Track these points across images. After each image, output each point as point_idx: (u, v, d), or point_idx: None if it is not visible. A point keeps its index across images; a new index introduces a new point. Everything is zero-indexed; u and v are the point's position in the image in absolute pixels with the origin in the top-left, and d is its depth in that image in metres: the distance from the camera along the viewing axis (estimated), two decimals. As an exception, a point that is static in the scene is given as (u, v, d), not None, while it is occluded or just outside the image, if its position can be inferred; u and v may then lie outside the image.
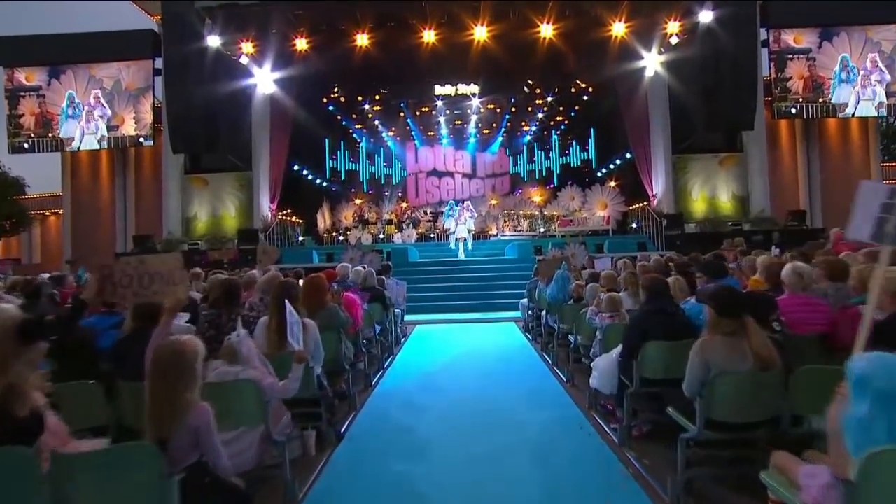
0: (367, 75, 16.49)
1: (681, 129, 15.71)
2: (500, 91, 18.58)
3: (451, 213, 14.43)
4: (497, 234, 17.92)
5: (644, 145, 16.13)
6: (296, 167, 18.14)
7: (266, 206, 15.90)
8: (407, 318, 9.52)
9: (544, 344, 7.21)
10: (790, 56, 16.16)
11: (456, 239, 13.78)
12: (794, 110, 16.20)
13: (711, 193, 15.89)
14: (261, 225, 15.01)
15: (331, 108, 18.96)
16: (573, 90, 18.69)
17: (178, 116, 13.99)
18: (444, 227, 15.57)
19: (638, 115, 16.17)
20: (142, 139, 16.03)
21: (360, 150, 21.82)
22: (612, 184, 17.73)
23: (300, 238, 16.18)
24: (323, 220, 19.31)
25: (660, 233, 14.21)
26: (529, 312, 8.46)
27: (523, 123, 21.95)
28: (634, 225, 15.46)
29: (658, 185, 15.89)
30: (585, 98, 19.00)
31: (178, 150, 14.54)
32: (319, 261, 13.33)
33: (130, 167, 16.67)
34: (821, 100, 16.13)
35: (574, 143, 21.05)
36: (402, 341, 8.28)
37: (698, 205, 15.82)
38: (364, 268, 7.52)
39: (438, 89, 17.31)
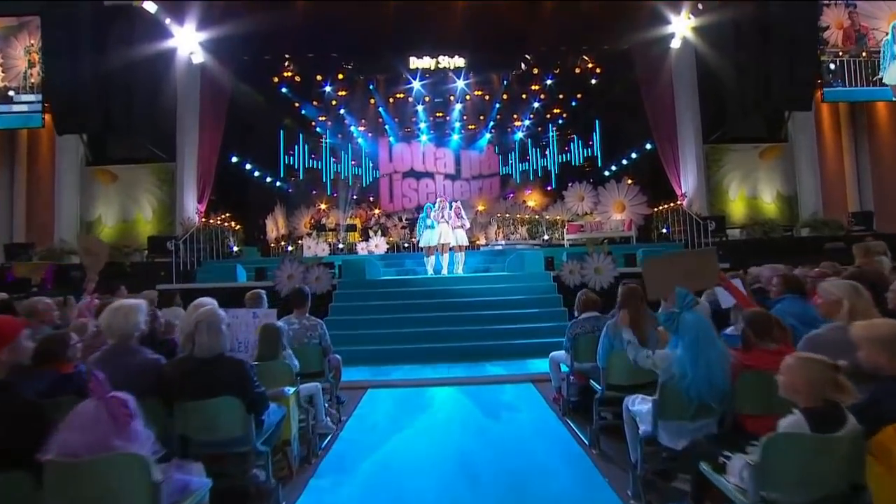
0: (324, 43, 13.14)
1: (714, 114, 12.68)
2: (490, 68, 15.33)
3: (426, 220, 10.13)
4: (488, 244, 14.60)
5: (669, 134, 13.04)
6: (237, 161, 14.55)
7: (192, 207, 12.32)
8: (354, 374, 6.04)
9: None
10: (826, 1, 13.06)
11: (435, 248, 10.20)
12: (839, 83, 13.07)
13: (752, 192, 12.79)
14: (180, 230, 11.42)
15: (284, 90, 15.48)
16: (578, 71, 15.56)
17: (60, 81, 10.43)
18: (417, 241, 11.14)
19: (661, 97, 13.09)
20: (11, 93, 12.14)
21: (324, 145, 18.36)
22: (629, 181, 14.50)
23: (234, 248, 12.63)
24: (275, 227, 15.76)
25: (695, 239, 11.01)
26: (570, 379, 4.54)
27: (515, 117, 18.77)
28: (665, 230, 12.25)
29: (688, 182, 12.77)
30: (592, 82, 15.88)
31: (65, 129, 10.91)
32: (248, 279, 9.81)
33: (20, 155, 12.91)
34: (864, 54, 13.06)
35: (575, 138, 17.88)
36: (330, 436, 4.37)
37: (737, 206, 12.72)
38: (254, 316, 3.99)
39: (415, 62, 13.99)
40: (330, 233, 14.35)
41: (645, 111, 13.46)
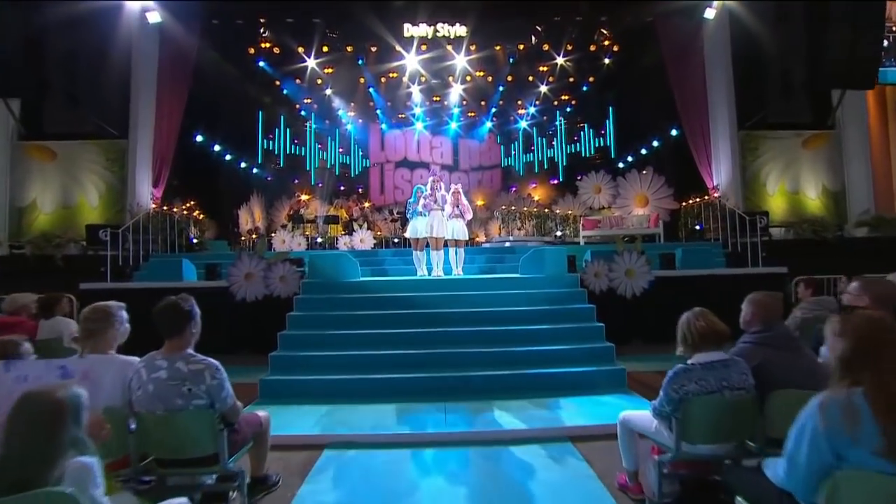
0: (306, 5, 11.26)
1: (751, 96, 10.93)
2: (494, 39, 13.45)
3: (415, 205, 8.07)
4: (489, 241, 12.79)
5: (699, 118, 11.24)
6: (205, 142, 12.62)
7: (146, 192, 10.41)
8: (307, 421, 4.14)
9: None
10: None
11: (426, 242, 8.13)
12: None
13: (794, 186, 11.03)
14: (128, 217, 9.51)
15: (262, 63, 13.56)
16: (592, 48, 13.73)
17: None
18: (406, 231, 8.63)
19: (691, 76, 11.29)
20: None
21: (308, 130, 16.47)
22: (645, 172, 12.68)
23: (194, 240, 10.73)
24: (250, 219, 13.87)
25: (737, 238, 9.24)
26: (664, 467, 2.56)
27: (519, 103, 16.97)
28: (698, 227, 10.44)
29: (721, 173, 10.99)
30: (606, 62, 14.06)
31: (-16, 92, 9.00)
32: (197, 277, 7.93)
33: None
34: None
35: (586, 126, 16.09)
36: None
37: (776, 202, 10.96)
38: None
39: (410, 30, 12.10)
40: (308, 225, 12.46)
41: (669, 94, 11.66)
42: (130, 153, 10.40)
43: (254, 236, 12.54)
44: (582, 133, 16.23)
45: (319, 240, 11.74)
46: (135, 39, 10.40)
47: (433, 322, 5.95)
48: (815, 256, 9.26)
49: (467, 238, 8.15)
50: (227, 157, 13.41)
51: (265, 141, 15.13)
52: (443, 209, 7.72)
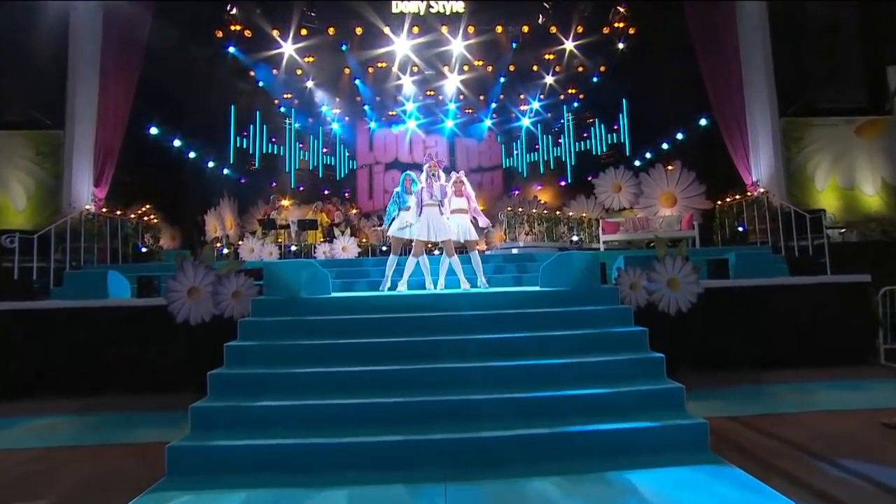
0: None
1: (794, 77, 9.54)
2: (496, 18, 12.02)
3: (403, 196, 6.37)
4: (490, 248, 11.25)
5: (734, 105, 9.82)
6: (163, 136, 11.01)
7: (85, 192, 8.82)
8: None
9: None
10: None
11: (422, 246, 6.53)
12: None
13: (847, 180, 9.57)
14: (58, 220, 7.89)
15: (231, 49, 12.06)
16: (605, 31, 12.31)
17: None
18: (386, 229, 6.75)
19: (724, 58, 9.89)
20: None
21: (288, 127, 14.95)
22: (670, 167, 11.19)
23: (143, 248, 9.12)
24: (218, 225, 12.28)
25: (791, 241, 7.74)
26: None
27: (522, 97, 15.53)
28: (741, 228, 8.90)
29: (760, 167, 9.52)
30: (620, 47, 12.63)
31: None
32: (131, 293, 6.31)
33: None
34: None
35: (597, 121, 14.63)
36: None
37: (826, 198, 9.48)
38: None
39: (399, 6, 10.62)
40: (282, 232, 10.88)
41: (697, 79, 10.27)
42: (67, 146, 8.86)
43: (217, 245, 10.91)
44: (592, 129, 14.76)
45: (294, 248, 10.15)
46: (73, 16, 8.91)
47: (427, 354, 4.35)
48: (887, 261, 7.77)
49: (476, 238, 6.55)
50: (192, 155, 11.80)
51: (238, 138, 13.56)
52: (441, 204, 6.15)
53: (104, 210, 8.68)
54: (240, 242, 10.19)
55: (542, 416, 3.79)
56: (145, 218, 9.63)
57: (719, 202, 9.79)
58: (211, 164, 12.54)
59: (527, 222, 10.87)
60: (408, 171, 6.63)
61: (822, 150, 9.63)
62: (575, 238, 10.35)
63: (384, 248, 11.02)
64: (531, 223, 10.81)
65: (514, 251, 9.36)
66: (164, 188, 11.21)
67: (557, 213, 11.54)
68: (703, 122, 10.65)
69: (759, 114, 9.57)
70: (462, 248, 6.44)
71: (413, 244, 6.28)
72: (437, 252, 9.79)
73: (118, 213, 8.85)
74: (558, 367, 4.32)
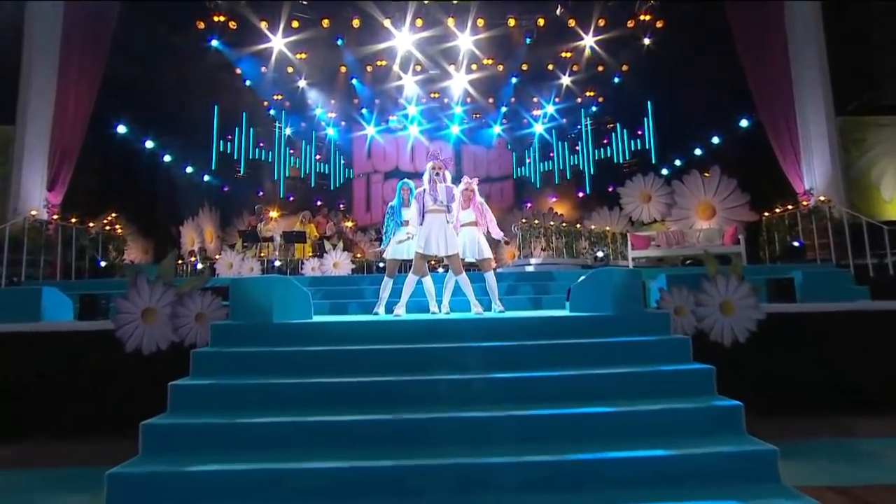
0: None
1: (852, 72, 8.79)
2: (509, 9, 11.36)
3: (399, 209, 5.66)
4: (501, 266, 10.43)
5: (781, 103, 9.06)
6: (133, 137, 10.27)
7: (37, 197, 8.07)
8: None
9: None
10: None
11: (423, 263, 5.59)
12: None
13: (916, 190, 8.75)
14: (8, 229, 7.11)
15: (215, 43, 11.42)
16: (630, 24, 11.64)
17: None
18: (383, 251, 5.83)
19: (768, 50, 9.17)
20: None
21: (278, 131, 14.28)
22: (709, 174, 10.37)
23: (102, 262, 8.33)
24: (196, 237, 11.51)
25: (860, 259, 6.89)
26: None
27: (535, 100, 14.86)
28: (798, 244, 8.03)
29: (814, 174, 8.72)
30: (647, 42, 11.94)
31: None
32: (73, 315, 5.49)
33: None
34: None
35: (618, 126, 13.91)
36: None
37: (895, 209, 8.66)
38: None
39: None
40: (267, 245, 10.09)
41: (736, 75, 9.55)
42: (17, 143, 8.12)
43: (192, 259, 10.11)
44: (613, 135, 14.04)
45: (278, 263, 9.34)
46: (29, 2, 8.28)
47: (425, 399, 3.51)
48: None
49: (492, 256, 5.72)
50: (168, 159, 11.07)
51: (222, 142, 12.87)
52: (448, 210, 5.33)
53: (56, 217, 7.90)
54: (217, 257, 9.40)
55: (583, 489, 2.92)
56: (108, 228, 8.85)
57: (766, 213, 8.96)
58: (189, 170, 11.81)
59: (543, 236, 10.05)
60: (405, 180, 5.79)
61: (889, 153, 8.83)
62: (600, 254, 9.51)
63: (382, 265, 10.20)
64: (548, 237, 9.99)
65: (530, 269, 8.52)
66: (135, 195, 10.48)
67: (578, 226, 10.72)
68: (744, 123, 9.87)
69: (812, 113, 8.80)
70: (470, 266, 5.62)
71: (413, 259, 5.45)
72: (441, 269, 8.98)
73: (73, 220, 8.06)
74: (600, 418, 3.45)
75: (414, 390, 3.64)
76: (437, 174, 5.25)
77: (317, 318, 4.99)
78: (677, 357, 4.20)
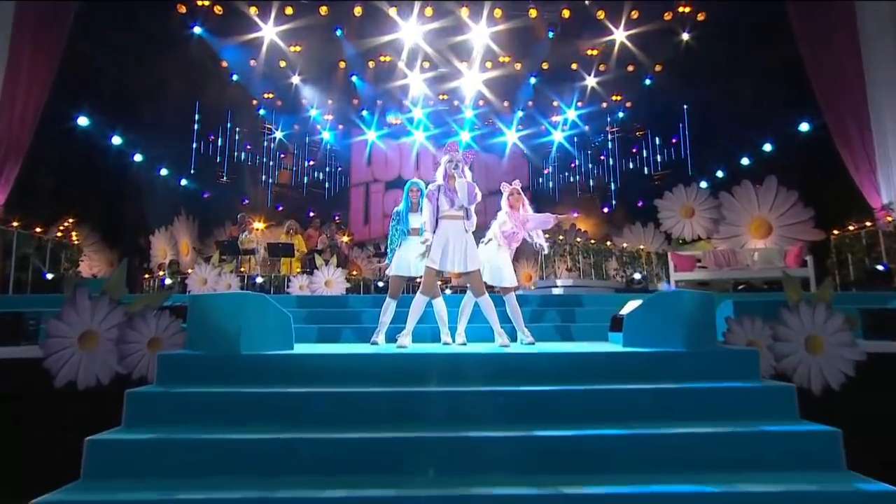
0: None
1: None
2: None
3: (407, 215, 4.80)
4: (519, 288, 9.59)
5: (852, 103, 8.33)
6: (97, 132, 9.51)
7: (-26, 197, 7.31)
8: None
9: None
10: None
11: (436, 280, 4.76)
12: None
13: None
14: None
15: (198, 31, 10.74)
16: (667, 17, 10.96)
17: None
18: (387, 266, 5.05)
19: (835, 41, 8.49)
20: None
21: (268, 135, 13.61)
22: (764, 186, 9.55)
23: (48, 275, 7.50)
24: (169, 248, 10.72)
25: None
26: None
27: (555, 104, 14.19)
28: (882, 268, 7.15)
29: (893, 186, 7.93)
30: (685, 37, 11.27)
31: None
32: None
33: None
34: None
35: (649, 133, 13.19)
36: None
37: None
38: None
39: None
40: (249, 258, 9.27)
41: (794, 74, 8.86)
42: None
43: (160, 273, 9.27)
44: (643, 144, 13.32)
45: (260, 279, 8.51)
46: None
47: (446, 469, 2.66)
48: None
49: (516, 283, 4.92)
50: (138, 159, 10.32)
51: (203, 143, 12.16)
52: (467, 216, 4.52)
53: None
54: (190, 271, 8.58)
55: None
56: (59, 234, 8.06)
57: (835, 231, 8.13)
58: (164, 172, 11.05)
59: (569, 255, 9.22)
60: (415, 180, 4.99)
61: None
62: (637, 276, 8.66)
63: (381, 285, 9.37)
64: (575, 256, 9.16)
65: (557, 291, 7.67)
66: (100, 199, 9.70)
67: (609, 243, 9.90)
68: (804, 126, 9.09)
69: (890, 119, 8.03)
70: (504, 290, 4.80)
71: (422, 276, 4.61)
72: (448, 290, 8.17)
73: (14, 224, 7.24)
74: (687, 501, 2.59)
75: (422, 453, 2.79)
76: (456, 167, 4.45)
77: (300, 348, 4.13)
78: (780, 412, 3.34)
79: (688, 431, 3.00)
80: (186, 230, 11.39)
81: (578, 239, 9.70)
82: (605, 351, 3.93)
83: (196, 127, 11.92)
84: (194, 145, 11.94)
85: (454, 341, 4.71)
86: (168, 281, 8.70)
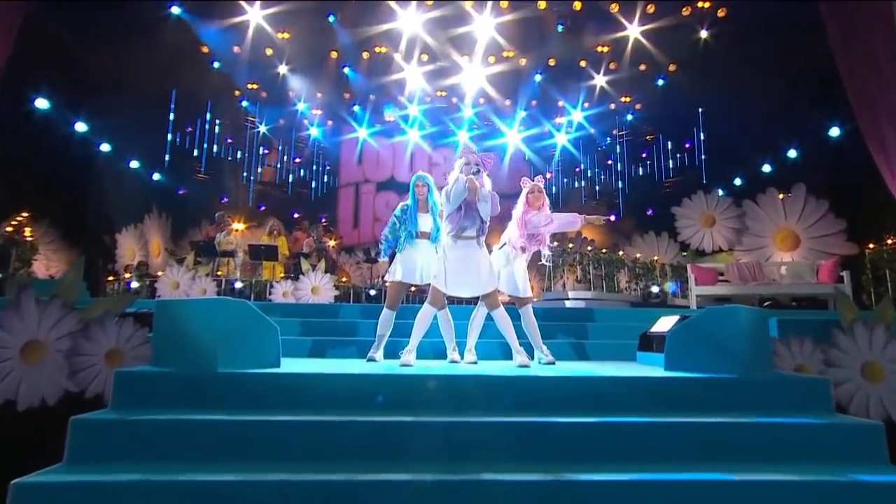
0: None
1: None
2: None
3: (415, 215, 4.28)
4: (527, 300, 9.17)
5: (890, 110, 8.05)
6: (57, 116, 8.94)
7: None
8: None
9: None
10: None
11: (441, 295, 4.30)
12: None
13: None
14: None
15: (176, 11, 10.20)
16: (685, 12, 10.65)
17: None
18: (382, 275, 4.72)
19: (868, 39, 8.23)
20: None
21: (251, 128, 13.11)
22: (791, 195, 9.22)
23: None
24: (138, 249, 10.16)
25: None
26: None
27: (560, 104, 13.85)
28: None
29: (933, 196, 7.62)
30: (704, 35, 10.98)
31: None
32: None
33: None
34: None
35: (660, 137, 12.88)
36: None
37: None
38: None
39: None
40: (227, 261, 8.74)
41: (824, 76, 8.58)
42: None
43: (126, 275, 8.70)
44: (653, 148, 13.01)
45: (239, 284, 7.97)
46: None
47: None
48: None
49: (531, 294, 4.47)
50: (105, 148, 9.75)
51: (179, 134, 11.63)
52: (482, 233, 4.08)
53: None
54: (160, 273, 8.03)
55: None
56: (9, 230, 7.48)
57: (871, 245, 7.79)
58: (135, 165, 10.48)
59: (578, 265, 8.80)
60: (421, 174, 4.51)
61: None
62: (655, 289, 8.24)
63: (372, 293, 8.87)
64: (584, 267, 8.74)
65: (570, 304, 7.23)
66: (60, 193, 9.10)
67: (621, 253, 9.51)
68: (834, 131, 8.77)
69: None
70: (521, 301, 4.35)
71: (430, 287, 4.13)
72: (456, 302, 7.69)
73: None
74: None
75: (439, 491, 2.31)
76: (476, 172, 4.00)
77: (288, 366, 3.61)
78: (867, 454, 2.89)
79: (761, 479, 2.53)
80: (158, 229, 10.81)
81: (588, 248, 9.29)
82: (650, 376, 3.45)
83: (172, 117, 11.38)
84: (169, 137, 11.39)
85: (462, 359, 4.24)
86: (135, 284, 8.13)
